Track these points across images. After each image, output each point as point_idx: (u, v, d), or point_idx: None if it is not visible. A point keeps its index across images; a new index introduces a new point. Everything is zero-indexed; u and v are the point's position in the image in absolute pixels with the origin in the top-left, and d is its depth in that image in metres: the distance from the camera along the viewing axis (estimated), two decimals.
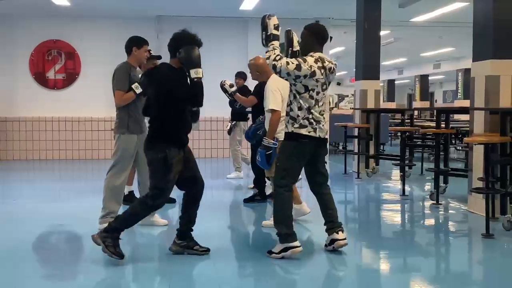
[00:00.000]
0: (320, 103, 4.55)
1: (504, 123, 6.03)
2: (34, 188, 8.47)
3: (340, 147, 14.45)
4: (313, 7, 11.27)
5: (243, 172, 9.15)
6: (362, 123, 9.99)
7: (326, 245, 4.75)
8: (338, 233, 4.65)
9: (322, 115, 4.59)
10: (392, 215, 6.87)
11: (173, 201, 6.57)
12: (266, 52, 4.48)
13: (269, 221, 5.71)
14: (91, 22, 12.15)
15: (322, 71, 4.47)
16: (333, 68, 4.59)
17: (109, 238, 4.22)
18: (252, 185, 7.75)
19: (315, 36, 4.62)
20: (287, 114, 4.55)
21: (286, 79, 4.51)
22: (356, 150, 10.22)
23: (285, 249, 4.46)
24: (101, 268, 4.27)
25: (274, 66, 4.39)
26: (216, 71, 10.11)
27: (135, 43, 5.40)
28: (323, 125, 4.56)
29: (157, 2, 10.64)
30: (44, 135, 12.10)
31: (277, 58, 4.38)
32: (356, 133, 10.19)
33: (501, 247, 5.19)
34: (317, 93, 4.50)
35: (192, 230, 4.56)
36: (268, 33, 4.51)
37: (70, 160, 12.07)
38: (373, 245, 5.27)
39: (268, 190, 6.89)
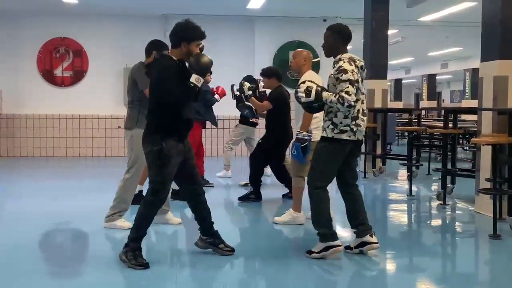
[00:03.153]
0: (361, 102, 4.47)
1: None
2: (40, 186, 8.48)
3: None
4: (320, 6, 11.24)
5: (231, 171, 9.08)
6: (369, 122, 9.94)
7: (351, 248, 4.66)
8: (372, 236, 4.59)
9: (365, 115, 4.53)
10: (398, 215, 6.85)
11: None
12: (330, 102, 4.30)
13: (281, 217, 5.76)
14: (98, 20, 12.15)
15: (356, 70, 4.40)
16: (363, 66, 4.53)
17: (129, 252, 4.19)
18: (243, 182, 7.74)
19: (340, 36, 4.54)
20: (330, 119, 4.43)
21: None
22: (363, 150, 10.18)
23: (326, 248, 4.44)
24: (106, 267, 4.27)
25: (350, 106, 4.25)
26: (223, 70, 10.11)
27: (155, 47, 5.40)
28: (363, 127, 4.49)
29: (164, 0, 10.65)
30: (51, 132, 12.12)
31: (340, 100, 4.23)
32: None
33: (508, 248, 5.15)
34: (363, 94, 4.48)
35: (213, 224, 4.54)
36: (314, 99, 4.34)
37: (76, 157, 12.09)
38: (380, 245, 5.24)
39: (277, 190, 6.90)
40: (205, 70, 4.16)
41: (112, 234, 5.28)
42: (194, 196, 4.49)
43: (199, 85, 4.10)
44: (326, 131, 4.45)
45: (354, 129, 4.41)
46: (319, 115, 5.37)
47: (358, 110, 4.42)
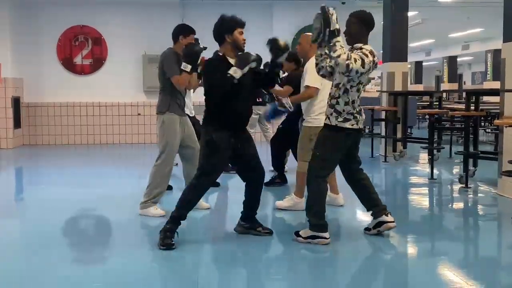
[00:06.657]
0: (359, 92, 4.46)
1: None
2: (62, 173, 8.57)
3: (367, 130, 14.33)
4: None
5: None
6: (390, 106, 9.87)
7: (368, 229, 4.72)
8: (387, 216, 4.63)
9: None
10: (420, 199, 6.81)
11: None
12: (334, 51, 4.18)
13: (282, 202, 5.76)
14: (116, 7, 12.18)
15: (373, 65, 4.35)
16: (377, 62, 4.47)
17: (162, 231, 4.32)
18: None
19: (365, 25, 4.46)
20: (331, 106, 4.42)
21: (345, 75, 4.30)
22: (383, 133, 10.12)
23: (313, 237, 4.44)
24: (132, 252, 4.32)
25: (348, 66, 4.16)
26: None
27: (182, 32, 5.37)
28: (364, 117, 4.50)
29: None
30: (72, 120, 12.23)
31: (349, 57, 4.16)
32: (383, 116, 10.08)
33: None
34: (364, 86, 4.45)
35: (256, 213, 4.71)
36: (331, 29, 4.22)
37: (97, 144, 12.20)
38: (401, 229, 5.20)
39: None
40: (244, 63, 4.30)
41: (145, 221, 5.30)
42: (251, 183, 4.65)
43: (236, 75, 4.22)
44: (329, 119, 4.43)
45: (358, 117, 4.41)
46: (325, 100, 5.37)
47: (354, 100, 4.39)
